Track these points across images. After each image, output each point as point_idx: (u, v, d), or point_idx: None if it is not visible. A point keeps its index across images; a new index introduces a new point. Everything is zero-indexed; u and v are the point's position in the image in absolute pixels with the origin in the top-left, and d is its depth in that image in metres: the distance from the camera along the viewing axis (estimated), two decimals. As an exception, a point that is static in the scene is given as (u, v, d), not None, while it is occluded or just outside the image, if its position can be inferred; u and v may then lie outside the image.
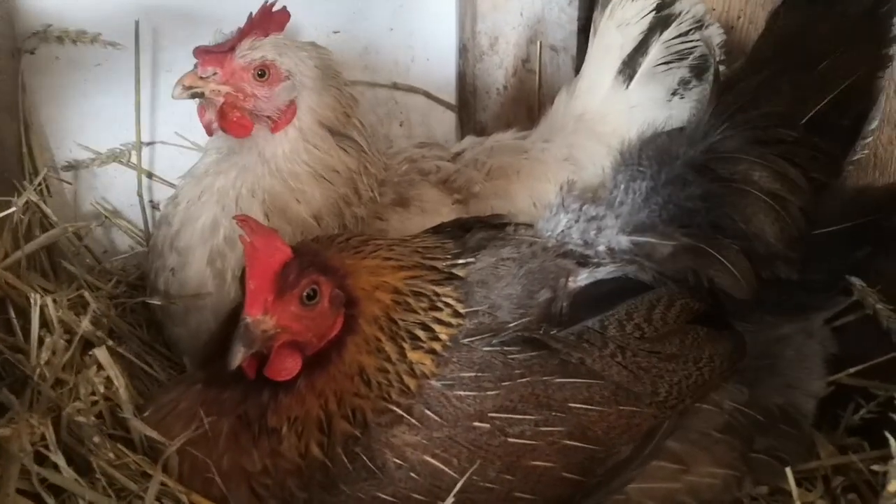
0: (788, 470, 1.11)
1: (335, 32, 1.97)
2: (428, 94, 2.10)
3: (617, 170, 1.31)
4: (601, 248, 1.22)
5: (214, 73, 1.36)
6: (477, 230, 1.30)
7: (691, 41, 1.65)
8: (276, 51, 1.39)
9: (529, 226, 1.32)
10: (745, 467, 1.15)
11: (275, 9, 1.44)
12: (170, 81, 1.87)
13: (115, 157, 1.84)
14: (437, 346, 1.09)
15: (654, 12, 1.63)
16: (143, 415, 1.17)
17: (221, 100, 1.38)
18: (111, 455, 1.12)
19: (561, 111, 1.76)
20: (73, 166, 1.85)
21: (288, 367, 1.09)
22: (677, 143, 1.28)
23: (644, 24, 1.64)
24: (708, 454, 1.13)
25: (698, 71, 1.66)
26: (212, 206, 1.43)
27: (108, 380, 1.21)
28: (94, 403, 1.19)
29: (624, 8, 1.64)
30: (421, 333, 1.10)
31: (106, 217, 1.86)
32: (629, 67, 1.66)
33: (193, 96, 1.38)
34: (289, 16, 1.47)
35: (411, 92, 2.08)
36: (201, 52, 1.37)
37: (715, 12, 1.77)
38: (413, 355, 1.08)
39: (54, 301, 1.32)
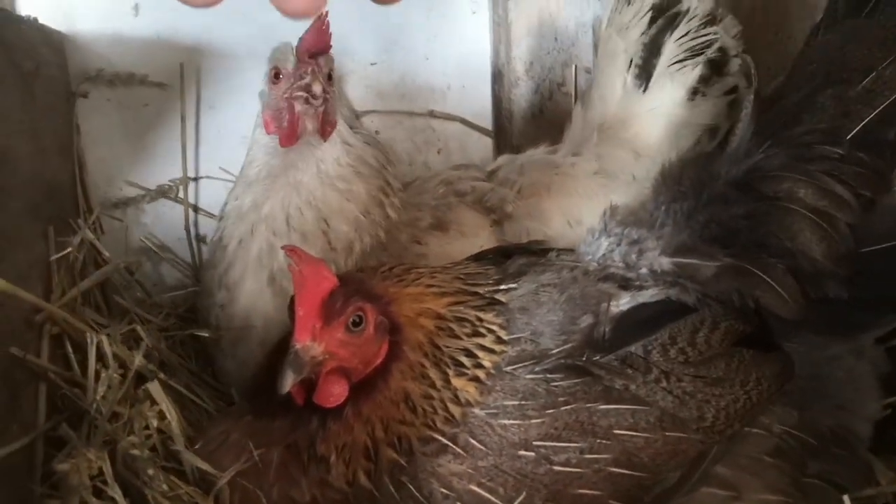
0: (846, 498, 1.08)
1: (372, 64, 2.02)
2: (464, 121, 2.12)
3: (658, 190, 1.30)
4: (643, 270, 1.21)
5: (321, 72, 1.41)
6: (518, 256, 1.30)
7: (704, 36, 1.64)
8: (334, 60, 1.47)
9: (570, 251, 1.32)
10: (799, 493, 1.11)
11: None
12: (213, 118, 1.96)
13: (163, 193, 1.91)
14: (480, 373, 1.09)
15: (650, 12, 1.64)
16: (194, 447, 1.19)
17: (320, 103, 1.41)
18: (165, 487, 1.14)
19: (580, 124, 1.77)
20: (125, 203, 1.92)
21: (336, 393, 1.10)
22: (719, 162, 1.26)
23: (643, 24, 1.64)
24: (759, 480, 1.10)
25: (717, 66, 1.66)
26: (262, 233, 1.46)
27: (161, 413, 1.24)
28: (148, 437, 1.22)
29: (621, 13, 1.67)
30: (465, 360, 1.10)
31: (155, 252, 1.93)
32: (644, 71, 1.66)
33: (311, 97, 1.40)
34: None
35: (448, 119, 2.10)
36: (308, 51, 1.40)
37: (753, 27, 1.76)
38: (457, 382, 1.08)
39: (108, 336, 1.37)
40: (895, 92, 1.18)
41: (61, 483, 1.14)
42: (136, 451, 1.18)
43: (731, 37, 1.66)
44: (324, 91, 1.40)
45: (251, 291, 1.46)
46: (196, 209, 1.98)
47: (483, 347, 1.11)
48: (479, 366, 1.09)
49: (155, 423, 1.24)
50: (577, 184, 1.65)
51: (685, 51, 1.64)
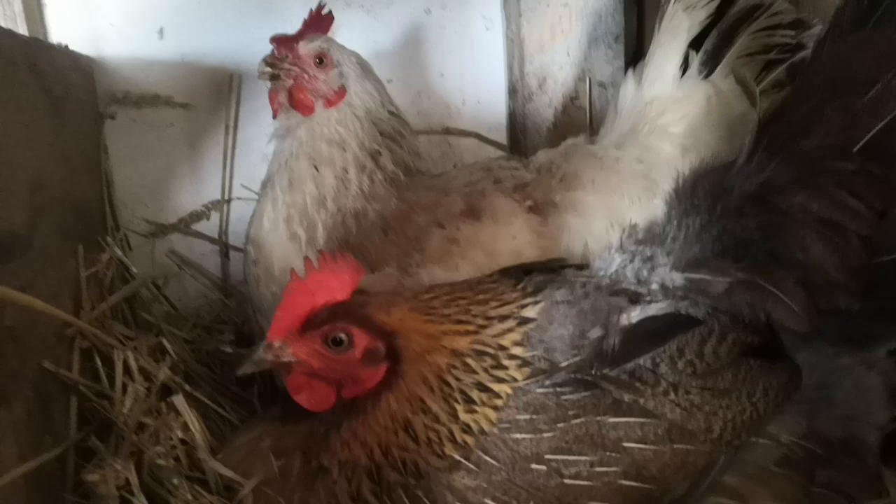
0: (853, 506, 1.08)
1: (388, 81, 2.05)
2: (479, 136, 2.15)
3: (671, 205, 1.31)
4: (654, 286, 1.23)
5: (287, 56, 1.58)
6: (536, 273, 1.31)
7: (783, 37, 1.60)
8: (327, 44, 1.62)
9: (586, 266, 1.34)
10: (807, 502, 1.12)
11: (323, 12, 1.67)
12: (234, 137, 2.01)
13: (196, 217, 2.02)
14: (498, 402, 1.10)
15: None
16: (217, 455, 1.23)
17: (291, 81, 1.59)
18: (189, 497, 1.18)
19: (629, 102, 1.73)
20: (152, 223, 1.99)
21: (317, 399, 1.16)
22: (732, 176, 1.27)
23: (711, 6, 1.61)
24: (767, 489, 1.11)
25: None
26: (279, 186, 1.59)
27: (185, 424, 1.29)
28: (173, 447, 1.27)
29: None
30: (476, 395, 1.10)
31: (180, 268, 1.99)
32: (713, 58, 1.62)
33: (272, 77, 1.59)
34: (333, 19, 1.69)
35: (463, 135, 2.14)
36: (277, 40, 1.60)
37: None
38: (466, 417, 1.09)
39: (135, 349, 1.42)
40: (901, 103, 1.18)
41: (91, 492, 1.19)
42: (161, 461, 1.23)
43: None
44: (272, 65, 1.57)
45: (269, 229, 1.57)
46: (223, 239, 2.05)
47: (501, 380, 1.11)
48: (497, 395, 1.10)
49: (179, 434, 1.28)
50: (622, 181, 1.62)
51: (759, 46, 1.61)
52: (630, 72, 1.74)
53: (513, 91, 2.15)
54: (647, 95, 1.69)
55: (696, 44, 1.64)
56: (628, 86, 1.74)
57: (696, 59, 1.64)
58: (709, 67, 1.63)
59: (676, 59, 1.65)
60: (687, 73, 1.65)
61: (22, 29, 1.73)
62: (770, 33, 1.61)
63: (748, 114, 1.60)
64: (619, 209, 1.58)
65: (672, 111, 1.66)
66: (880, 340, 1.21)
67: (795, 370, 1.17)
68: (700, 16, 1.62)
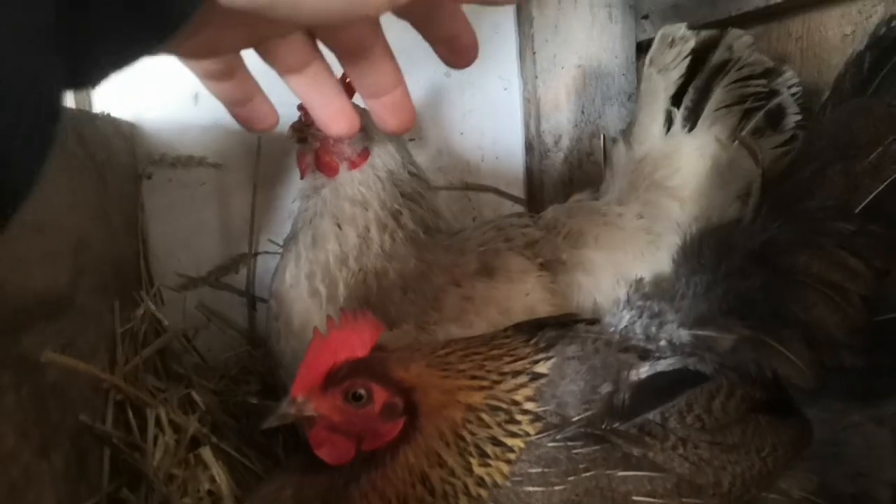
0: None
1: (410, 140, 2.17)
2: (498, 191, 2.23)
3: (679, 263, 1.36)
4: (662, 342, 1.26)
5: (313, 122, 1.62)
6: (549, 328, 1.35)
7: (756, 86, 1.66)
8: None
9: (597, 321, 1.39)
10: (819, 559, 1.14)
11: (347, 79, 1.70)
12: (264, 194, 2.11)
13: (224, 270, 2.09)
14: (511, 455, 1.12)
15: (691, 55, 1.67)
16: (242, 506, 1.28)
17: (318, 144, 1.67)
18: (216, 547, 1.24)
19: (623, 161, 1.78)
20: (183, 276, 2.08)
21: (339, 452, 1.18)
22: (736, 236, 1.32)
23: (683, 66, 1.68)
24: (779, 545, 1.13)
25: (774, 119, 1.67)
26: (302, 243, 1.64)
27: (212, 476, 1.34)
28: (200, 499, 1.32)
29: (663, 54, 1.70)
30: (490, 449, 1.12)
31: (209, 319, 2.07)
32: (693, 112, 1.68)
33: (300, 139, 1.69)
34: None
35: (482, 190, 2.21)
36: (303, 107, 1.64)
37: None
38: (480, 470, 1.11)
39: (165, 401, 1.49)
40: (901, 166, 1.23)
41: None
42: (189, 513, 1.28)
43: (788, 89, 1.66)
44: (299, 130, 1.66)
45: (299, 287, 1.61)
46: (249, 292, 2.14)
47: (514, 434, 1.13)
48: (510, 450, 1.12)
49: (206, 485, 1.33)
50: (626, 237, 1.67)
51: (735, 97, 1.67)
52: (619, 133, 1.81)
53: (530, 148, 2.22)
54: (638, 154, 1.75)
55: (676, 100, 1.71)
56: (620, 146, 1.80)
57: (678, 115, 1.70)
58: (691, 122, 1.69)
59: (660, 118, 1.72)
60: (672, 130, 1.71)
61: (69, 100, 1.85)
62: (743, 84, 1.67)
63: (736, 160, 1.66)
64: (625, 265, 1.62)
65: (664, 166, 1.71)
66: (889, 397, 1.23)
67: (805, 426, 1.19)
68: (674, 76, 1.69)
